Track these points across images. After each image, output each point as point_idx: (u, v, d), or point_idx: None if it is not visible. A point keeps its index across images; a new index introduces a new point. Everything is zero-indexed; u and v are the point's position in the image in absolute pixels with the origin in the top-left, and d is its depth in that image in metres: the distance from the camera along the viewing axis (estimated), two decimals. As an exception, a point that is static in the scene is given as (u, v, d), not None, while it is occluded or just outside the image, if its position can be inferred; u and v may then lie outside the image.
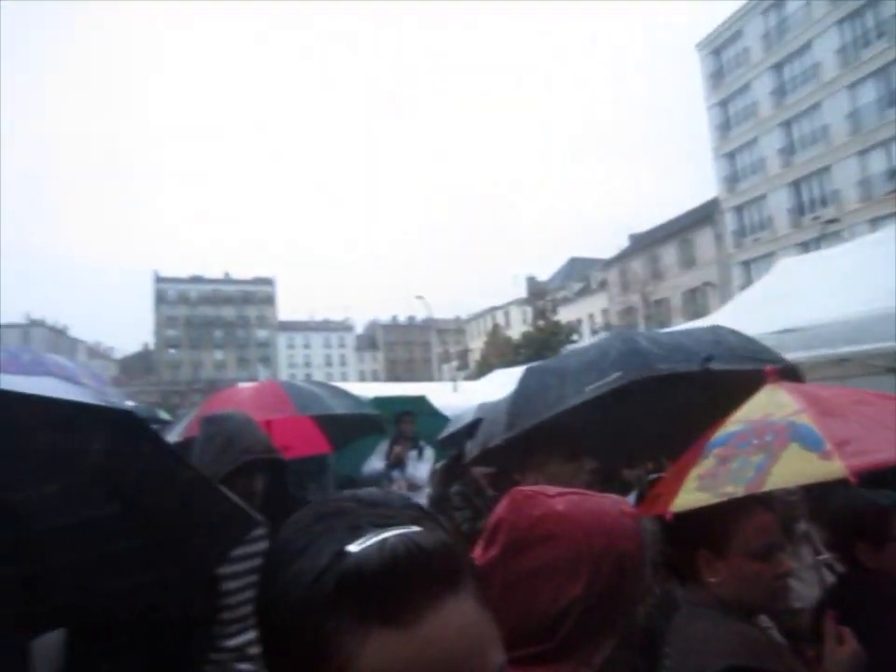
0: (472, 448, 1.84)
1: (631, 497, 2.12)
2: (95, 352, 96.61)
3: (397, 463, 6.10)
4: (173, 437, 3.11)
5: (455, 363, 45.74)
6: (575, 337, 41.81)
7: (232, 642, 1.95)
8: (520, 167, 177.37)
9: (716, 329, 2.20)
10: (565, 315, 45.42)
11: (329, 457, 6.67)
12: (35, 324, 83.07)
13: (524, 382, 1.74)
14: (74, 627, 1.86)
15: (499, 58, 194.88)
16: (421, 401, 6.81)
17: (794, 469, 1.30)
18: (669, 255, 42.50)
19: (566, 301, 51.71)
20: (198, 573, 1.59)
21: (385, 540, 0.53)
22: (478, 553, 1.01)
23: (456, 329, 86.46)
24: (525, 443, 1.59)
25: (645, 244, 46.05)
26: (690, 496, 1.36)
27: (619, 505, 1.03)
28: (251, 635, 1.97)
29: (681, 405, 2.03)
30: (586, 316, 50.51)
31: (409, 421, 6.23)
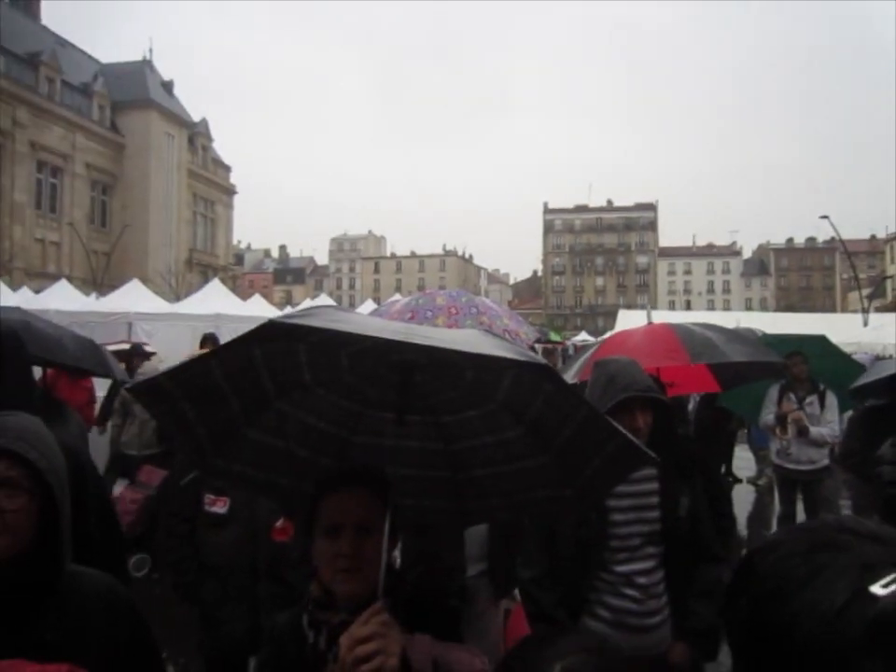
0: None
1: None
2: (494, 278, 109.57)
3: (784, 420, 5.49)
4: (569, 377, 3.33)
5: (866, 291, 38.14)
6: None
7: (621, 568, 2.10)
8: None
9: None
10: None
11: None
12: (448, 254, 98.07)
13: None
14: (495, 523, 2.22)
15: None
16: (821, 341, 5.79)
17: None
18: None
19: None
20: (591, 496, 1.69)
21: None
22: None
23: (870, 251, 71.80)
24: None
25: None
26: None
27: None
28: (639, 565, 2.09)
29: None
30: None
31: (800, 363, 5.49)
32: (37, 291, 16.05)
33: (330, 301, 20.51)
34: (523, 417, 1.57)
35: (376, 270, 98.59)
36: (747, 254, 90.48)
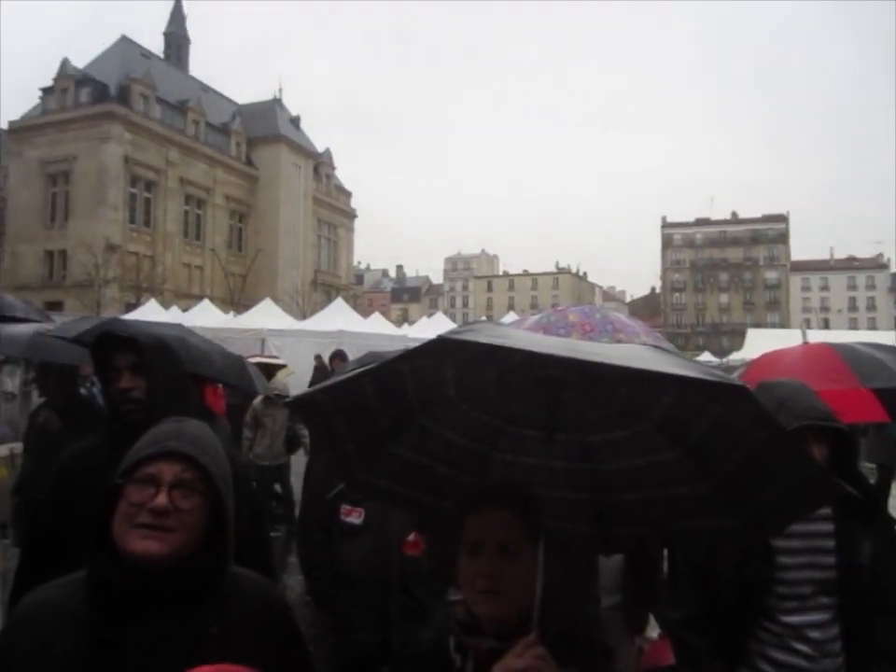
0: None
1: None
2: (609, 295, 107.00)
3: None
4: None
5: None
6: None
7: (789, 619, 1.88)
8: None
9: None
10: None
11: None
12: (561, 272, 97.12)
13: None
14: (634, 553, 2.08)
15: None
16: None
17: None
18: None
19: None
20: (761, 530, 1.53)
21: None
22: None
23: None
24: None
25: None
26: None
27: None
28: (811, 616, 1.86)
29: None
30: None
31: None
32: (185, 310, 17.61)
33: (446, 319, 20.87)
34: (682, 439, 1.46)
35: (489, 288, 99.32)
36: (895, 267, 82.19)
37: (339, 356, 9.68)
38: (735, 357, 21.71)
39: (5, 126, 46.32)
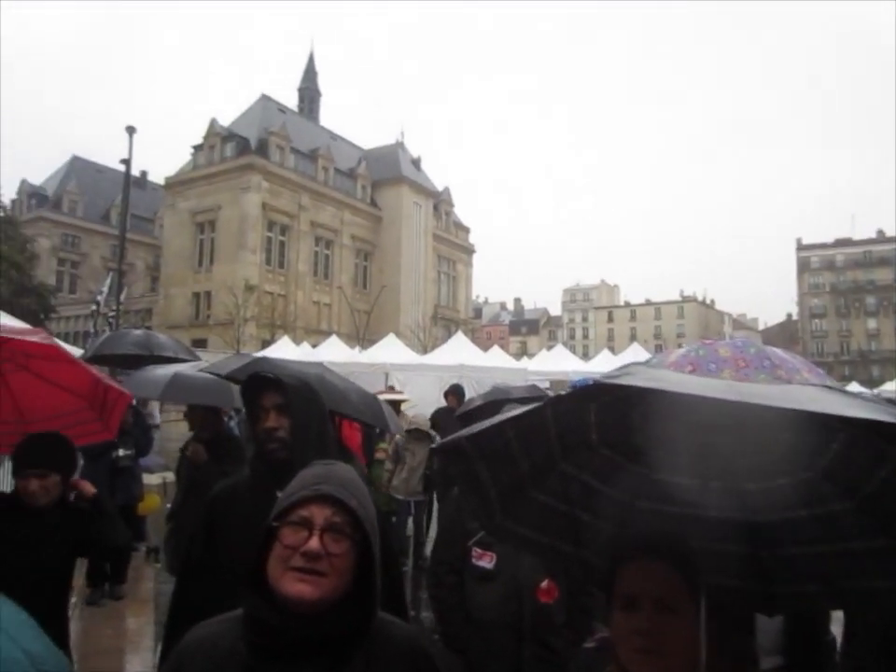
0: None
1: None
2: (740, 323, 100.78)
3: None
4: None
5: None
6: None
7: None
8: None
9: None
10: None
11: None
12: (686, 300, 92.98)
13: None
14: (796, 616, 1.89)
15: None
16: None
17: None
18: None
19: None
20: None
21: None
22: None
23: None
24: None
25: None
26: None
27: None
28: None
29: None
30: None
31: None
32: (314, 346, 18.57)
33: (566, 351, 20.47)
34: (854, 489, 1.32)
35: (609, 319, 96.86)
36: None
37: (453, 392, 8.64)
38: (889, 387, 19.65)
39: (162, 182, 52.19)
